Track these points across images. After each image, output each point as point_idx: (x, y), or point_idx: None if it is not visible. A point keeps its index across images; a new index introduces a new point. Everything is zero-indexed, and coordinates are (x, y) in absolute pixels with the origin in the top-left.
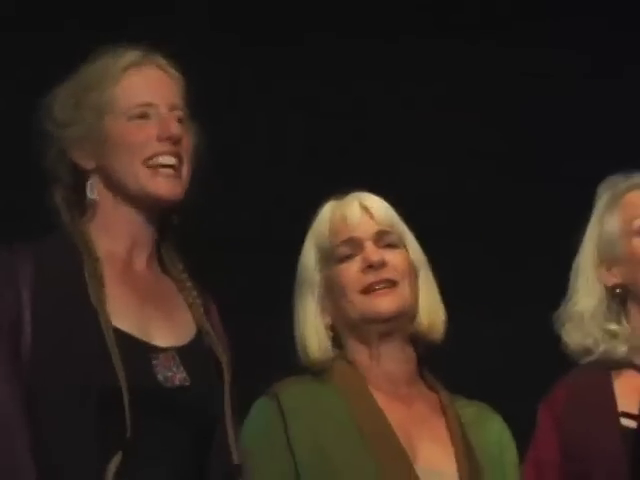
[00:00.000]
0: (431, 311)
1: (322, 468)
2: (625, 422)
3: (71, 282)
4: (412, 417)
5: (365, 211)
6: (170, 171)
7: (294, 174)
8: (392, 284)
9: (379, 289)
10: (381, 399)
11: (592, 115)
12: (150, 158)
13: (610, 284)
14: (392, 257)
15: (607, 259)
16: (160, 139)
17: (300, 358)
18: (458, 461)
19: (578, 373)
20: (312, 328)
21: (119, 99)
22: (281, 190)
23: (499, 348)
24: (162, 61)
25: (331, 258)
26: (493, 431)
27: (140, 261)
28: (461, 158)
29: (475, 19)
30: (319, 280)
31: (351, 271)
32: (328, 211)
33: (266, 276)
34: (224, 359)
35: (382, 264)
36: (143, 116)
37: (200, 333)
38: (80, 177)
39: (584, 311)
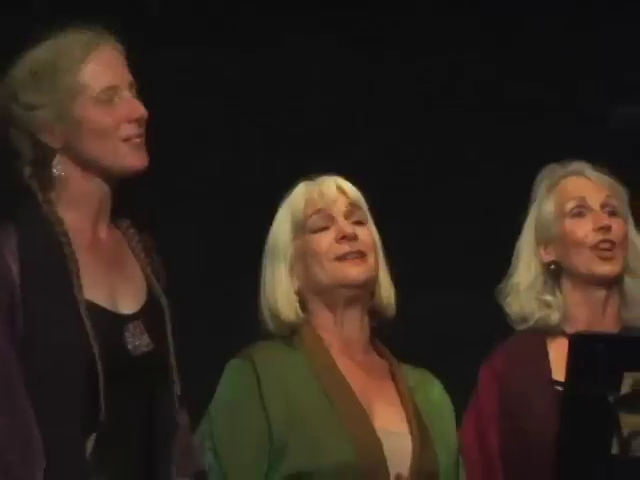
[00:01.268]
0: (388, 288)
1: (292, 423)
2: (559, 387)
3: (49, 257)
4: (368, 381)
5: (339, 190)
6: (140, 144)
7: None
8: (362, 255)
9: (351, 258)
10: (342, 363)
11: None
12: (124, 139)
13: (546, 261)
14: (361, 232)
15: (543, 239)
16: (130, 120)
17: (266, 323)
18: (409, 422)
19: (516, 338)
20: (283, 292)
21: (86, 83)
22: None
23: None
24: (113, 40)
25: (305, 229)
26: (435, 393)
27: (102, 229)
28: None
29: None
30: (292, 250)
31: (326, 240)
32: (303, 188)
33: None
34: (167, 312)
35: (354, 236)
36: (109, 99)
37: (151, 294)
38: (44, 154)
39: (522, 283)
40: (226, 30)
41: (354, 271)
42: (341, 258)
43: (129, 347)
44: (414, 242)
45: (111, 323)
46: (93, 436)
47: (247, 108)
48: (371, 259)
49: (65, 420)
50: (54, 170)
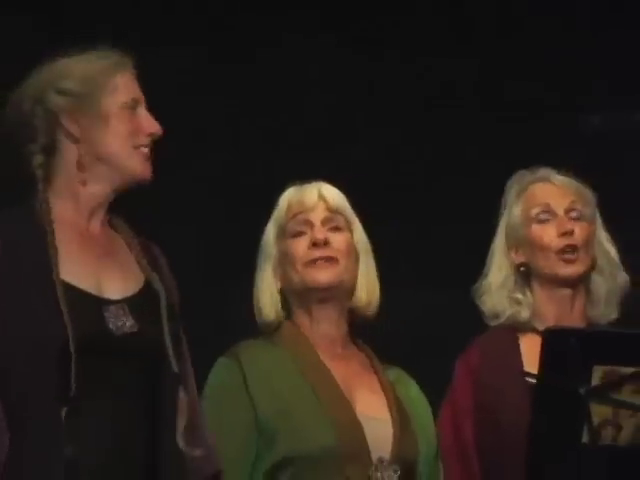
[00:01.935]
0: (369, 290)
1: (278, 414)
2: (530, 380)
3: (30, 244)
4: (350, 372)
5: (320, 197)
6: (149, 156)
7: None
8: (332, 260)
9: (321, 263)
10: (323, 356)
11: None
12: (137, 146)
13: (516, 262)
14: (336, 238)
15: (513, 242)
16: (147, 133)
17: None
18: (390, 408)
19: (490, 334)
20: (267, 292)
21: (117, 88)
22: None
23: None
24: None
25: (286, 234)
26: (413, 391)
27: (95, 225)
28: None
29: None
30: (275, 252)
31: (300, 246)
32: (288, 194)
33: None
34: (164, 299)
35: (325, 243)
36: (133, 109)
37: (148, 284)
38: (59, 140)
39: (494, 283)
40: (225, 30)
41: (322, 275)
42: (310, 263)
43: (111, 327)
44: (413, 242)
45: (89, 304)
46: (65, 408)
47: (247, 108)
48: (342, 264)
49: (41, 391)
50: (68, 159)
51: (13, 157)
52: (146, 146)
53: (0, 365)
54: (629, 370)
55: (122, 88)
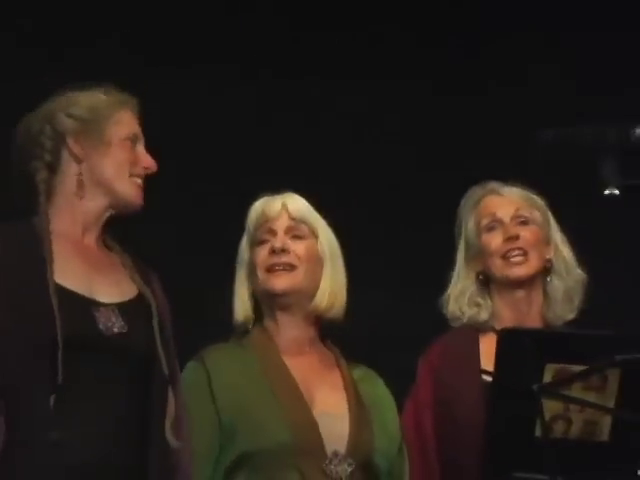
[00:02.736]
0: (331, 294)
1: (238, 412)
2: (486, 377)
3: (30, 252)
4: (313, 371)
5: (283, 207)
6: (142, 187)
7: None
8: (290, 267)
9: (277, 270)
10: (286, 357)
11: None
12: (133, 175)
13: (475, 271)
14: (296, 246)
15: (471, 252)
16: (143, 166)
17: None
18: (349, 404)
19: (451, 334)
20: (240, 296)
21: (121, 121)
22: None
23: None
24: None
25: (253, 241)
26: (378, 388)
27: (90, 239)
28: None
29: None
30: (247, 258)
31: (262, 253)
32: (257, 204)
33: None
34: (155, 309)
35: (283, 250)
36: (133, 143)
37: (140, 295)
38: (63, 159)
39: (456, 291)
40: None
41: (277, 282)
42: (269, 270)
43: (100, 327)
44: (380, 243)
45: (80, 304)
46: (53, 396)
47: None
48: (300, 271)
49: (32, 380)
50: (69, 176)
51: (18, 172)
52: (140, 177)
53: None
54: (578, 368)
55: (125, 122)
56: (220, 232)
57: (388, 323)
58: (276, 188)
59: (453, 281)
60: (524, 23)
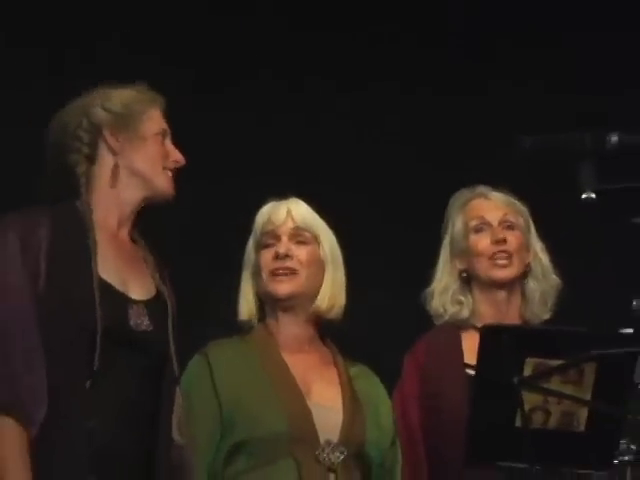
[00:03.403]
0: (331, 296)
1: (239, 404)
2: (469, 371)
3: (75, 238)
4: (310, 367)
5: (289, 214)
6: (172, 178)
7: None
8: (292, 272)
9: (280, 274)
10: (286, 354)
11: None
12: (166, 168)
13: (459, 269)
14: (299, 251)
15: (456, 251)
16: (173, 160)
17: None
18: (344, 399)
19: (435, 330)
20: (245, 294)
21: (154, 118)
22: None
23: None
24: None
25: (259, 245)
26: (373, 385)
27: (123, 233)
28: None
29: None
30: (252, 260)
31: (267, 257)
32: (264, 209)
33: None
34: (170, 309)
35: (287, 255)
36: (164, 137)
37: (159, 293)
38: (100, 153)
39: (439, 288)
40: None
41: (280, 287)
42: (273, 273)
43: (131, 322)
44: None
45: (117, 299)
46: (89, 382)
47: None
48: (302, 275)
49: (71, 364)
50: (105, 168)
51: (56, 166)
52: (171, 170)
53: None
54: (557, 363)
55: (156, 119)
56: (219, 234)
57: (387, 322)
58: (275, 188)
59: (437, 277)
60: (524, 23)
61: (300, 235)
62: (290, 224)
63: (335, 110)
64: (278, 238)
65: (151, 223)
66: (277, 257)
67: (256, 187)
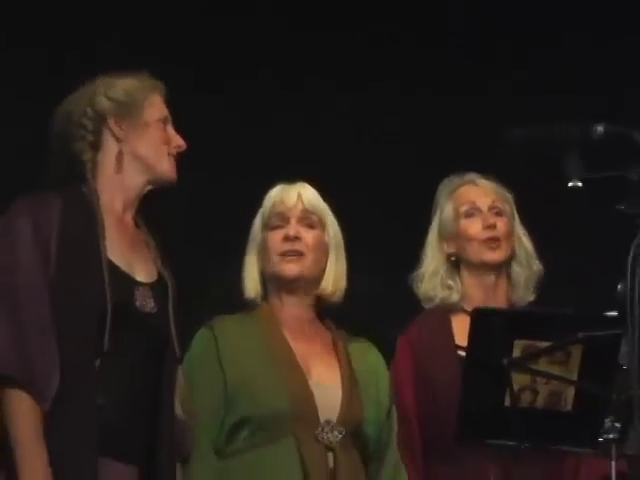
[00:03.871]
0: (335, 281)
1: (242, 379)
2: (460, 352)
3: (84, 221)
4: (311, 346)
5: (299, 197)
6: (175, 163)
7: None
8: (299, 254)
9: (289, 256)
10: (287, 333)
11: None
12: (168, 153)
13: (447, 252)
14: (306, 234)
15: (445, 235)
16: (175, 145)
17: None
18: (342, 378)
19: (426, 314)
20: (250, 274)
21: (155, 105)
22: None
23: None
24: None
25: (268, 226)
26: (371, 361)
27: (128, 217)
28: None
29: None
30: (260, 240)
31: (276, 238)
32: (274, 191)
33: None
34: (171, 292)
35: (296, 238)
36: (165, 123)
37: (160, 276)
38: (104, 139)
39: (428, 271)
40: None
41: (287, 268)
42: (282, 255)
43: (137, 304)
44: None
45: (124, 280)
46: (99, 360)
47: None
48: (309, 258)
49: (81, 343)
50: (105, 156)
51: (62, 154)
52: (173, 155)
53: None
54: (545, 344)
55: (157, 105)
56: (219, 233)
57: (383, 306)
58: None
59: (426, 261)
60: (524, 23)
61: (308, 218)
62: (300, 207)
63: (335, 110)
64: (287, 220)
65: (153, 211)
66: (287, 239)
67: (256, 187)
